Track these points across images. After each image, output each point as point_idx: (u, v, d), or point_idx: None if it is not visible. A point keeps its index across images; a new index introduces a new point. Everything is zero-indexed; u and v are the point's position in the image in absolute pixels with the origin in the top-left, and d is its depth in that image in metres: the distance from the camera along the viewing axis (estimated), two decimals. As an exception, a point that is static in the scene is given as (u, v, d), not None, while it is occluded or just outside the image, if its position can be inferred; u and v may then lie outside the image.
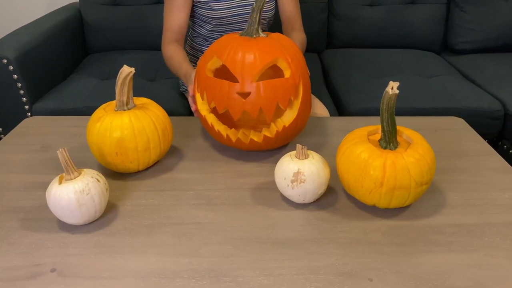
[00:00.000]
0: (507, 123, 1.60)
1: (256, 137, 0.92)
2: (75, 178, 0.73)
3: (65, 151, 0.72)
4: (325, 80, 1.89)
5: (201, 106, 0.95)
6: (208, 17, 1.27)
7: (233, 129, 0.94)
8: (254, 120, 1.03)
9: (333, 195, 0.84)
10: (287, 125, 0.91)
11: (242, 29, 1.32)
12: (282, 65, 0.89)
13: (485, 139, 1.07)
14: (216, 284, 0.64)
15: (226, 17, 1.27)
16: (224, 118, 0.98)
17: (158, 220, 0.78)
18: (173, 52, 1.24)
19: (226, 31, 1.32)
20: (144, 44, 2.02)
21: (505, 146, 1.64)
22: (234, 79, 0.87)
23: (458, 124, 1.13)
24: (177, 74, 1.23)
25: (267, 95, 0.87)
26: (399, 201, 0.76)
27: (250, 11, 1.28)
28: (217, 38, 1.34)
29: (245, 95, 0.87)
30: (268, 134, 0.92)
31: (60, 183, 0.73)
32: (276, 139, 0.93)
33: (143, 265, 0.68)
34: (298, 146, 0.78)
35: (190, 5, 1.28)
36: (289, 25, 1.38)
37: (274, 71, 0.94)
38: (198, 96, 0.94)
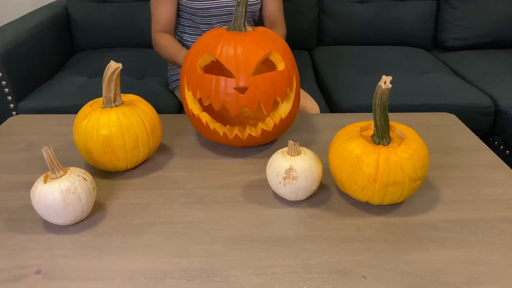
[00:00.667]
0: (497, 119, 1.61)
1: (254, 132, 0.91)
2: (60, 177, 0.71)
3: (50, 149, 0.70)
4: (316, 77, 1.88)
5: (193, 105, 0.93)
6: (192, 8, 1.26)
7: (228, 126, 0.92)
8: (243, 117, 1.02)
9: (325, 192, 0.83)
10: (284, 117, 0.91)
11: (228, 21, 1.31)
12: (276, 57, 0.88)
13: (475, 135, 1.07)
14: (208, 284, 0.63)
15: (211, 8, 1.25)
16: (213, 117, 0.96)
17: (147, 219, 0.76)
18: (168, 39, 1.25)
19: (212, 23, 1.31)
20: (133, 41, 1.99)
21: (496, 142, 1.64)
22: (225, 75, 0.86)
23: (450, 120, 1.13)
24: (175, 58, 1.22)
25: (266, 88, 0.86)
26: (393, 198, 0.75)
27: (234, 2, 1.27)
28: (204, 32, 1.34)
29: (242, 90, 0.85)
30: (265, 128, 0.91)
31: (45, 182, 0.70)
32: (273, 132, 0.92)
33: (132, 265, 0.66)
34: (290, 142, 0.77)
35: None
36: (271, 23, 1.38)
37: (264, 65, 0.93)
38: (189, 94, 0.92)
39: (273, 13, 1.37)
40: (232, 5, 1.27)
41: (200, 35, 1.35)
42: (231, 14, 1.29)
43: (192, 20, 1.32)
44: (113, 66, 0.81)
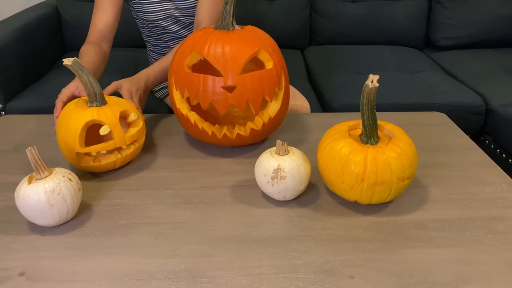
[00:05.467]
0: (488, 118, 1.61)
1: (243, 131, 0.90)
2: (45, 177, 0.70)
3: (34, 149, 0.69)
4: (308, 76, 1.88)
5: (181, 105, 0.92)
6: (143, 20, 1.26)
7: (217, 125, 0.92)
8: (232, 116, 1.01)
9: (314, 192, 0.83)
10: (273, 116, 0.91)
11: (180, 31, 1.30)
12: (264, 56, 0.88)
13: (467, 134, 1.07)
14: (194, 285, 0.62)
15: (159, 19, 1.25)
16: (202, 116, 0.95)
17: (134, 220, 0.75)
18: (86, 52, 1.12)
19: (164, 33, 1.31)
20: (124, 41, 1.97)
21: (486, 141, 1.65)
22: (213, 74, 0.85)
23: (440, 119, 1.13)
24: None
25: (254, 87, 0.86)
26: (381, 197, 0.74)
27: (182, 13, 1.27)
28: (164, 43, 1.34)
29: (230, 89, 0.85)
30: (254, 127, 0.90)
31: (30, 183, 0.70)
32: (262, 131, 0.92)
33: (117, 267, 0.65)
34: (278, 142, 0.77)
35: (118, 5, 1.21)
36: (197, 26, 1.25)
37: (253, 63, 0.93)
38: (177, 94, 0.91)
39: (202, 20, 1.23)
40: (180, 16, 1.26)
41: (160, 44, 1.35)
42: (178, 23, 1.29)
43: (147, 31, 1.31)
44: (67, 64, 0.79)
